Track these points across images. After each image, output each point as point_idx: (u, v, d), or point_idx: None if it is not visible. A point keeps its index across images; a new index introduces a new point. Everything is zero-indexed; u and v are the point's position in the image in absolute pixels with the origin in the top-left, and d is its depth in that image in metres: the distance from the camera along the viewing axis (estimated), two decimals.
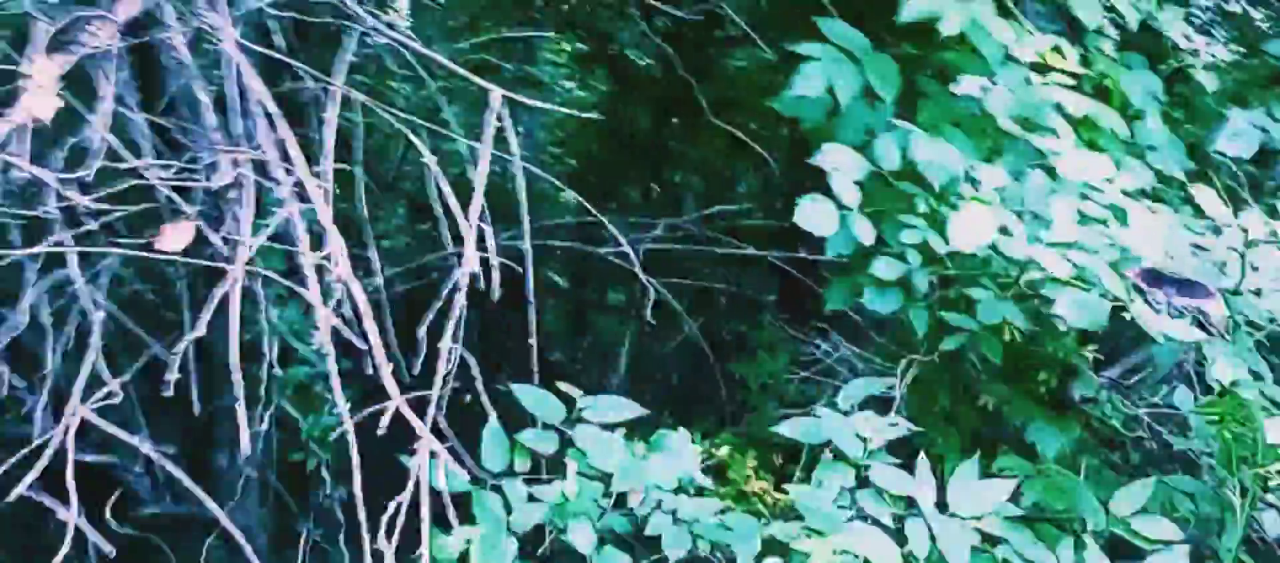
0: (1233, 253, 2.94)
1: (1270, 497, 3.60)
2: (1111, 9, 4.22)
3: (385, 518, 2.71)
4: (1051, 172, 3.22)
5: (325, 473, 4.74)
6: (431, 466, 2.76)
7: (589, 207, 4.79)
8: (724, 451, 5.03)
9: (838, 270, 4.18)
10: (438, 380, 2.82)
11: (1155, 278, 2.87)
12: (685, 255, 6.06)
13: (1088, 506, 3.24)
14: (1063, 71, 3.79)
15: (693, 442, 3.65)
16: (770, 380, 5.71)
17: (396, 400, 2.70)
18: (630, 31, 6.71)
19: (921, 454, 2.84)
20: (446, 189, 3.01)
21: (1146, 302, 2.86)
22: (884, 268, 3.93)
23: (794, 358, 4.97)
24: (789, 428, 2.91)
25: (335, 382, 2.76)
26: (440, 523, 2.87)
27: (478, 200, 2.90)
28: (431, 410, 2.85)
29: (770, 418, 4.90)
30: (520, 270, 6.70)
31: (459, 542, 2.78)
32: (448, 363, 2.87)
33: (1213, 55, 5.12)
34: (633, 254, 4.76)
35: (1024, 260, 3.06)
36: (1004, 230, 3.09)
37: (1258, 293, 2.98)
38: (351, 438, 2.84)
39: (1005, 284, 3.80)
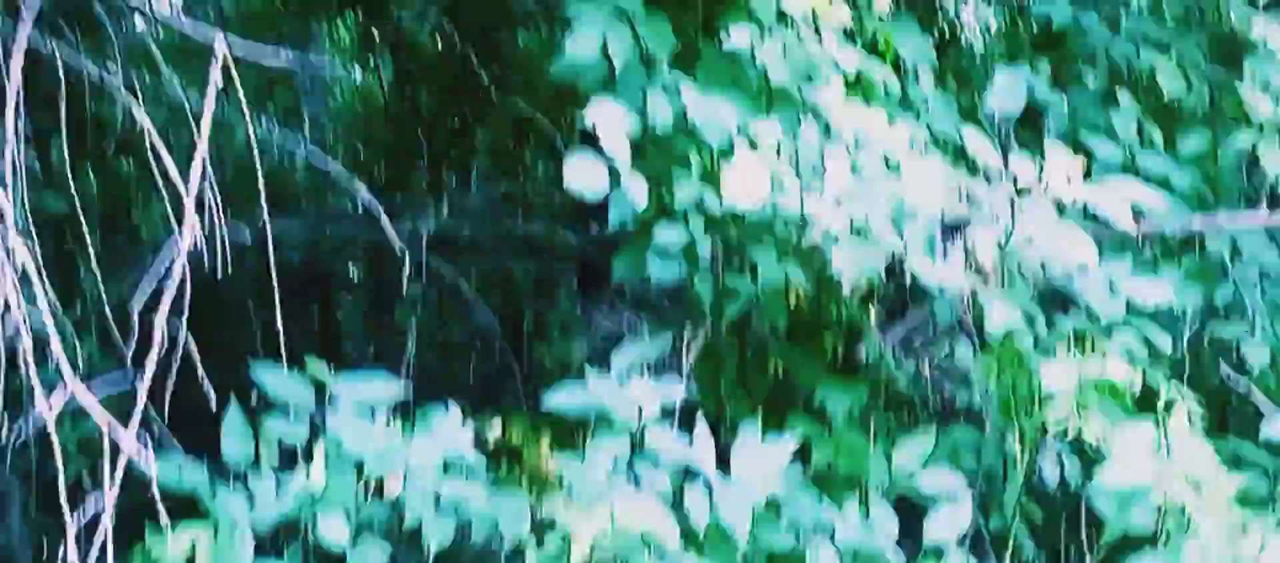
0: (1004, 202, 2.83)
1: (1052, 444, 3.54)
2: None
3: (73, 525, 2.36)
4: (826, 127, 3.06)
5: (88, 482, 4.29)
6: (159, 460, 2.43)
7: (362, 193, 4.48)
8: (516, 432, 4.80)
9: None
10: (149, 364, 2.48)
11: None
12: (478, 240, 5.78)
13: (875, 464, 3.10)
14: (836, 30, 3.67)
15: (477, 423, 3.40)
16: (566, 361, 5.49)
17: (72, 387, 2.37)
18: (413, 11, 6.39)
19: (698, 414, 2.64)
20: (168, 160, 2.68)
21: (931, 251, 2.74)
22: (665, 234, 3.75)
23: (590, 336, 4.76)
24: (560, 398, 2.66)
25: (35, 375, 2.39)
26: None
27: (198, 166, 2.58)
28: (141, 399, 2.51)
29: None
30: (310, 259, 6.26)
31: (183, 543, 2.45)
32: (163, 344, 2.53)
33: (981, 19, 5.10)
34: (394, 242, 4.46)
35: (800, 217, 2.89)
36: (779, 186, 2.91)
37: (1029, 241, 2.87)
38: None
39: (787, 246, 3.66)
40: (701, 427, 2.57)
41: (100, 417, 2.42)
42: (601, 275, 6.00)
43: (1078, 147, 4.33)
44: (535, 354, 5.87)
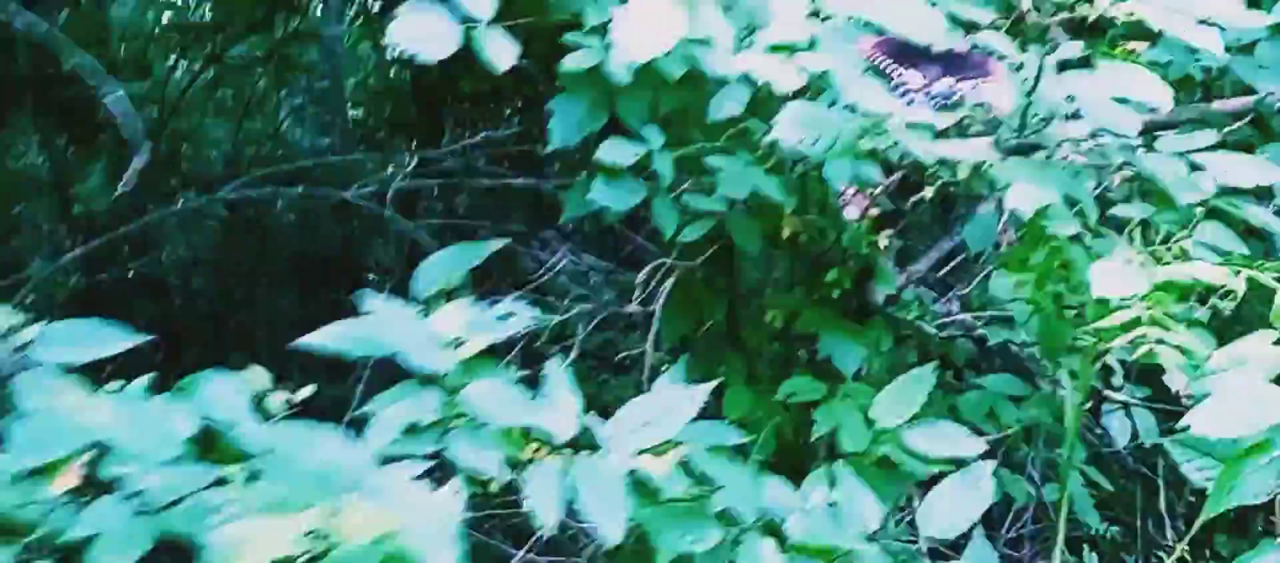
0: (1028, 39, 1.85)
1: (1114, 392, 2.55)
2: None
3: None
4: None
5: None
6: None
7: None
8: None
9: None
10: None
11: (904, 52, 1.77)
12: (444, 195, 4.89)
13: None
14: None
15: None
16: None
17: None
18: None
19: (551, 363, 1.63)
20: None
21: (892, 90, 1.76)
22: (614, 150, 2.84)
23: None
24: (318, 337, 1.62)
25: None
26: None
27: None
28: None
29: None
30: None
31: None
32: None
33: None
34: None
35: (733, 77, 1.95)
36: (704, 37, 1.96)
37: (1070, 99, 1.90)
38: None
39: (763, 155, 2.71)
40: (557, 372, 1.58)
41: None
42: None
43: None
44: None
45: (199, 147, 7.74)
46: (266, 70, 7.62)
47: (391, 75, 7.42)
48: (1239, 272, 1.77)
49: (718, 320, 3.48)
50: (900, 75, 1.75)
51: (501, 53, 1.98)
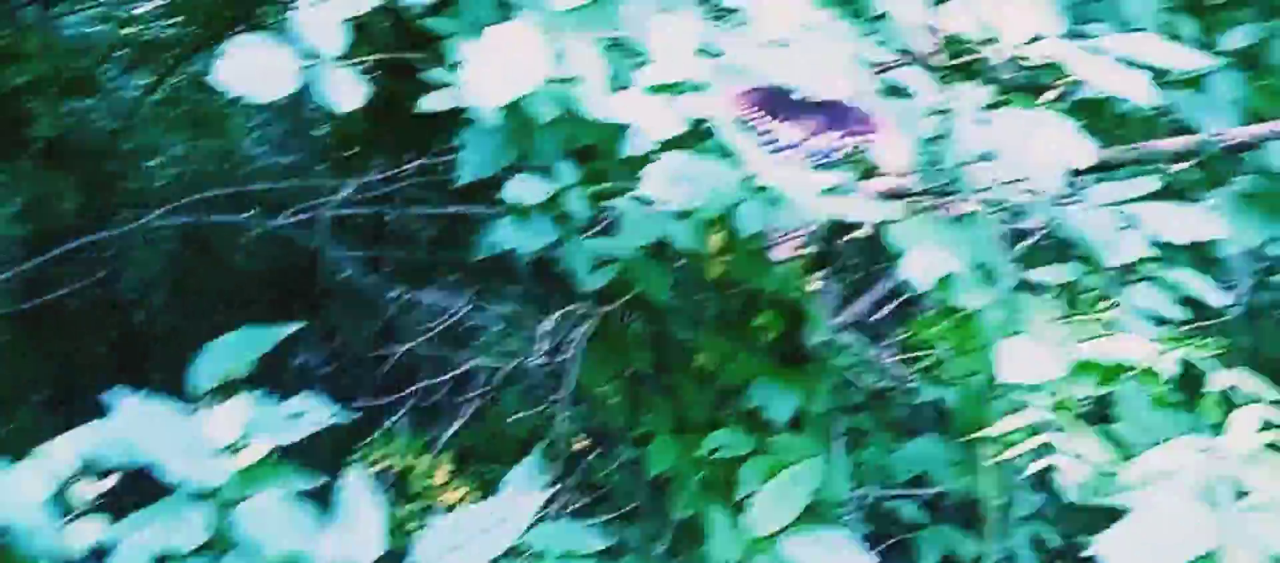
0: (927, 82, 1.60)
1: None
2: None
3: None
4: None
5: None
6: None
7: None
8: (398, 456, 3.68)
9: None
10: None
11: (782, 103, 1.53)
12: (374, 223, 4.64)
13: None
14: None
15: None
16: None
17: None
18: None
19: (350, 472, 1.31)
20: None
21: (764, 144, 1.51)
22: (522, 188, 2.61)
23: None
24: (65, 446, 1.30)
25: None
26: None
27: None
28: None
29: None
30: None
31: None
32: None
33: None
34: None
35: (604, 122, 1.70)
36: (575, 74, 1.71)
37: (982, 146, 1.65)
38: None
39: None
40: (356, 483, 1.29)
41: None
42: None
43: None
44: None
45: (154, 164, 7.48)
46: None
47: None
48: (1168, 351, 1.52)
49: (643, 366, 3.23)
50: (772, 128, 1.51)
51: (346, 94, 1.73)
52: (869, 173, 1.64)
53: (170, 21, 7.38)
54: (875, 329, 3.14)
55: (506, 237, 2.69)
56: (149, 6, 7.51)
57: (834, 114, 1.52)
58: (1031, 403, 1.52)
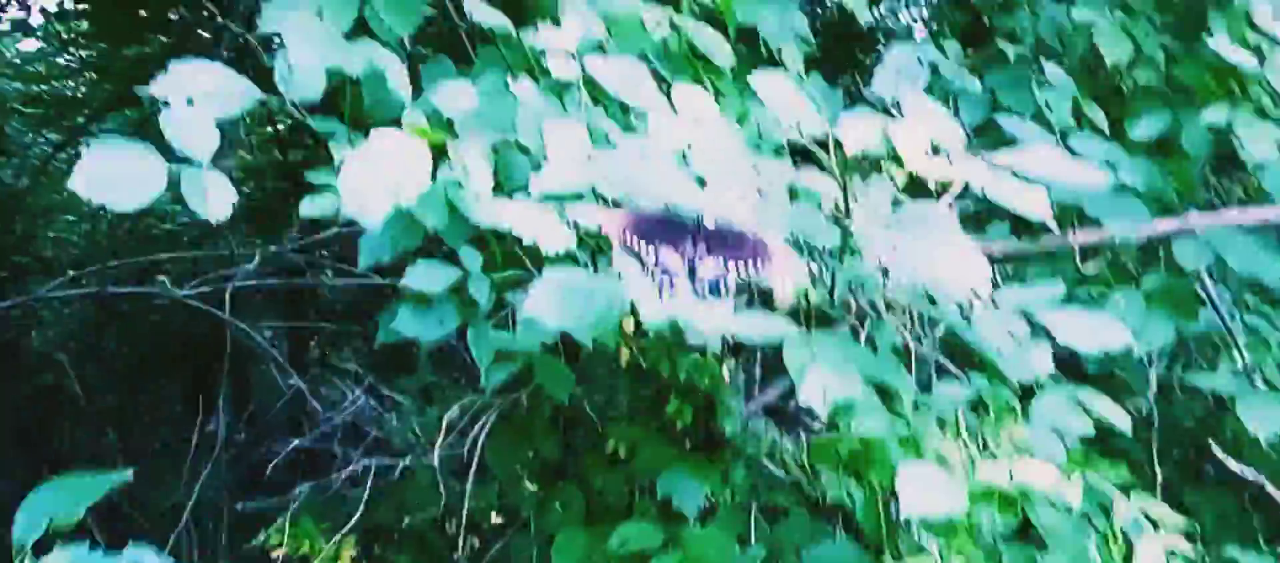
0: (832, 189, 1.54)
1: None
2: None
3: None
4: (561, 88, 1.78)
5: None
6: None
7: None
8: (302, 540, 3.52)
9: None
10: None
11: (667, 228, 1.45)
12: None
13: None
14: None
15: None
16: None
17: None
18: None
19: None
20: None
21: (647, 273, 1.44)
22: (423, 275, 2.50)
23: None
24: None
25: None
26: None
27: None
28: None
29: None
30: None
31: None
32: None
33: None
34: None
35: (490, 228, 1.61)
36: (463, 172, 1.62)
37: (885, 274, 1.59)
38: None
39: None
40: None
41: None
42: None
43: (1000, 141, 3.07)
44: None
45: (61, 226, 7.24)
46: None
47: (274, 151, 6.98)
48: (1073, 476, 1.46)
49: (551, 452, 3.13)
50: (655, 257, 1.43)
51: (218, 199, 1.62)
52: (765, 298, 1.57)
53: (83, 79, 7.20)
54: (790, 417, 3.07)
55: (407, 325, 2.59)
56: (61, 62, 7.32)
57: (726, 240, 1.45)
58: (935, 531, 1.44)
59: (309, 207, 1.82)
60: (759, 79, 1.57)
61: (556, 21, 2.03)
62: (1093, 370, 2.19)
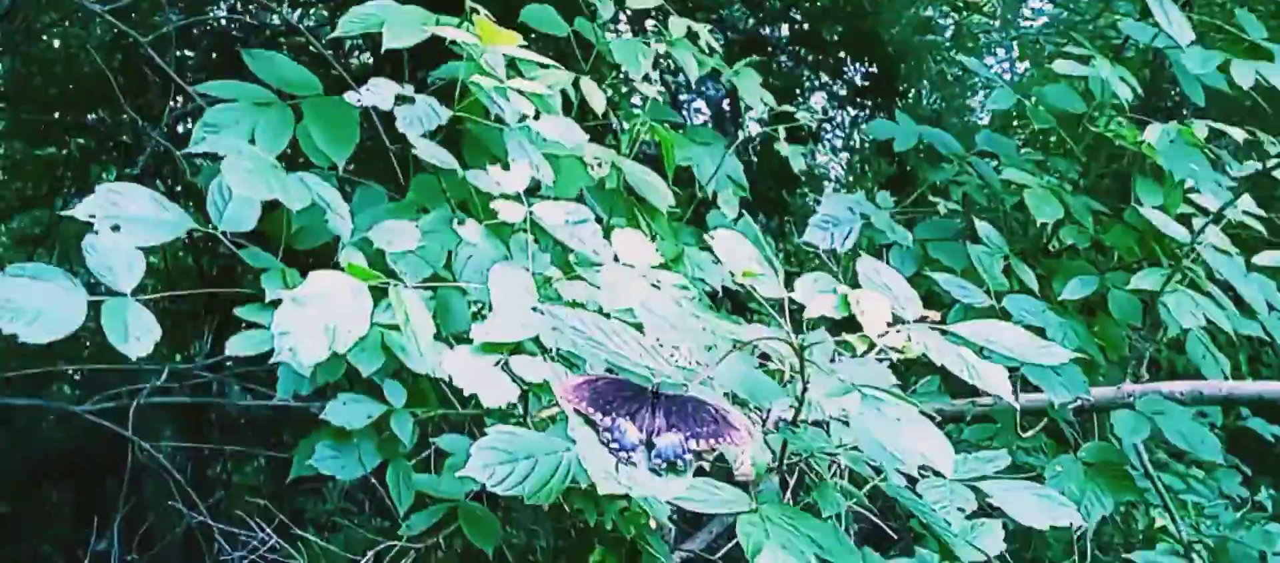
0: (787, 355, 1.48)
1: None
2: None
3: None
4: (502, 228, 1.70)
5: None
6: None
7: None
8: None
9: None
10: None
11: (624, 396, 1.37)
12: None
13: None
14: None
15: None
16: None
17: None
18: None
19: None
20: None
21: (603, 443, 1.35)
22: (343, 411, 2.39)
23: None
24: None
25: None
26: None
27: None
28: None
29: None
30: None
31: None
32: None
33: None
34: None
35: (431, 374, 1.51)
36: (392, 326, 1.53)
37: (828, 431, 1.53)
38: None
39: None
40: None
41: None
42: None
43: (930, 302, 3.06)
44: None
45: None
46: (46, 248, 6.92)
47: (181, 256, 6.79)
48: None
49: None
50: (609, 428, 1.35)
51: (141, 335, 1.50)
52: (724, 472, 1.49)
53: None
54: None
55: (325, 463, 2.46)
56: None
57: (686, 411, 1.37)
58: None
59: (239, 344, 1.71)
60: (718, 237, 1.52)
61: (496, 158, 1.97)
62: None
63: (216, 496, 4.86)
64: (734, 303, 3.30)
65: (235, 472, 6.17)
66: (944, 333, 1.53)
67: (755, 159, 5.40)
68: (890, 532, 2.23)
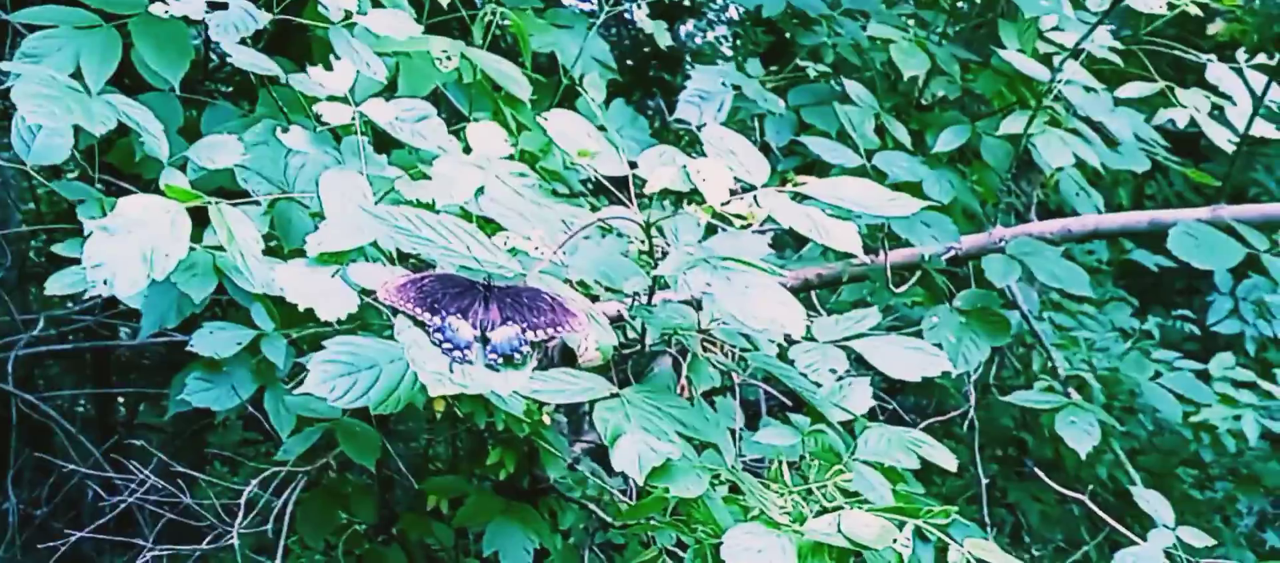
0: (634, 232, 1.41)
1: None
2: None
3: None
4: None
5: None
6: None
7: None
8: None
9: None
10: None
11: (453, 292, 1.30)
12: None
13: None
14: None
15: None
16: None
17: None
18: None
19: None
20: None
21: (434, 342, 1.28)
22: (211, 340, 2.28)
23: None
24: None
25: None
26: None
27: None
28: None
29: None
30: None
31: None
32: None
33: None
34: None
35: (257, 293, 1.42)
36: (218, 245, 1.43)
37: (698, 308, 1.47)
38: None
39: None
40: None
41: None
42: None
43: (810, 168, 3.01)
44: None
45: None
46: None
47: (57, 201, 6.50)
48: (904, 524, 1.36)
49: (367, 517, 2.91)
50: (440, 328, 1.28)
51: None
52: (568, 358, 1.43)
53: None
54: None
55: (197, 395, 2.36)
56: None
57: (521, 302, 1.31)
58: None
59: (56, 284, 1.59)
60: (551, 118, 1.44)
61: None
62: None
63: (114, 438, 4.71)
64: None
65: (139, 413, 5.99)
66: (793, 195, 1.47)
67: (638, 41, 5.28)
68: (781, 398, 2.21)
